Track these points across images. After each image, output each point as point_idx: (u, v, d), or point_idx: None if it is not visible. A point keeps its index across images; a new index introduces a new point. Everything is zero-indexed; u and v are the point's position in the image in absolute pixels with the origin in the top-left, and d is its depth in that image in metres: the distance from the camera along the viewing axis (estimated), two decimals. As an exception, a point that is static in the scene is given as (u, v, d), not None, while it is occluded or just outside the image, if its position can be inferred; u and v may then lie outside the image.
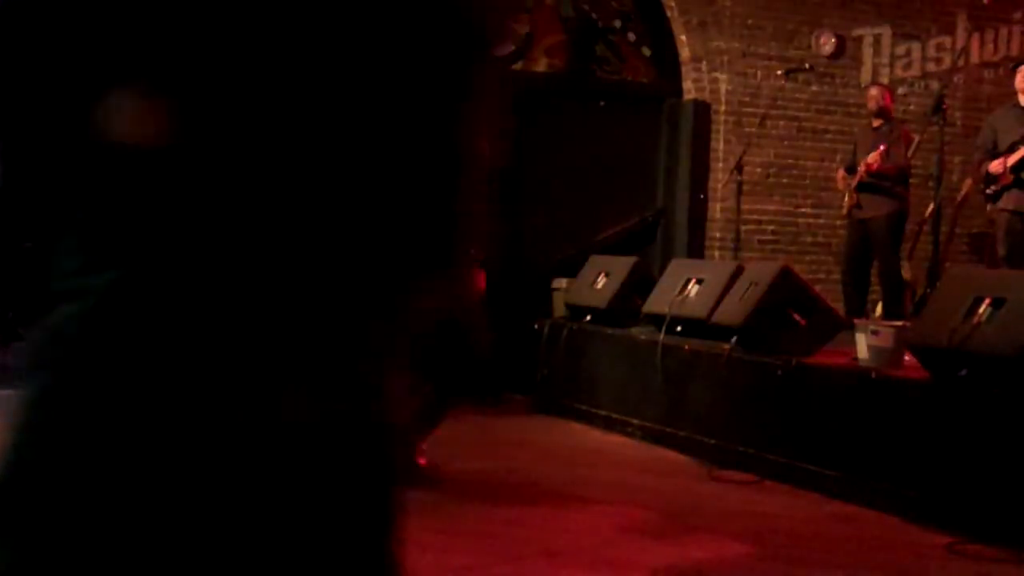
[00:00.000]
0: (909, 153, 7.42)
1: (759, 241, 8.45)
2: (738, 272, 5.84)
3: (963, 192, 8.52)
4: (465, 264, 1.19)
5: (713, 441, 5.40)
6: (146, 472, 0.98)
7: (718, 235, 8.32)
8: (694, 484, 4.98)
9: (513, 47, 7.89)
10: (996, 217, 7.16)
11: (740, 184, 7.77)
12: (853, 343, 5.11)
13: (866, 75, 8.75)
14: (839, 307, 6.65)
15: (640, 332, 6.18)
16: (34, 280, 1.04)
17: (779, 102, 8.37)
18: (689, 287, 5.96)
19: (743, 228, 7.96)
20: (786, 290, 5.38)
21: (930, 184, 7.60)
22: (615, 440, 6.01)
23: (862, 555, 3.90)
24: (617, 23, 8.21)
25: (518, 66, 7.93)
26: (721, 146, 8.33)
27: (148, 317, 0.98)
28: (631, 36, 8.27)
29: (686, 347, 5.72)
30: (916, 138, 7.41)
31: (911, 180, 7.73)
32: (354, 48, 1.03)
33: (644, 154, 8.30)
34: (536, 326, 6.95)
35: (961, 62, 8.89)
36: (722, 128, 8.34)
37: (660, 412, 5.84)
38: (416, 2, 1.06)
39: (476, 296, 4.77)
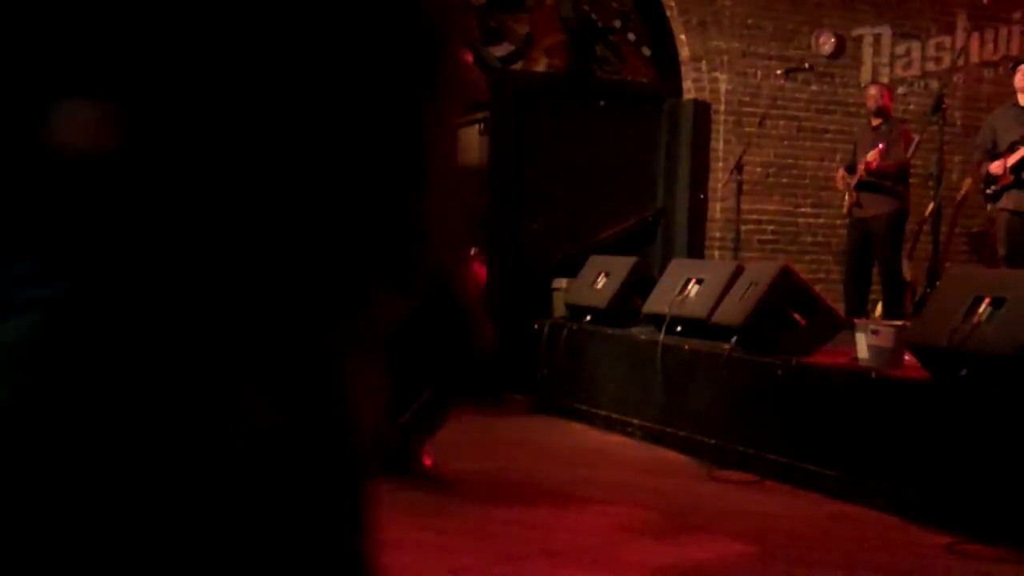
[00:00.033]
0: (909, 153, 7.42)
1: (759, 241, 8.45)
2: (738, 272, 5.84)
3: (963, 192, 8.52)
4: (449, 263, 1.17)
5: (713, 441, 5.41)
6: (108, 486, 0.96)
7: (718, 235, 8.32)
8: (694, 484, 4.98)
9: (513, 47, 7.89)
10: (996, 217, 7.17)
11: (740, 184, 7.78)
12: (853, 343, 5.11)
13: (866, 75, 8.75)
14: (839, 307, 6.65)
15: (640, 332, 6.18)
16: None
17: (779, 102, 8.37)
18: (689, 287, 5.96)
19: (743, 228, 7.96)
20: (786, 290, 5.38)
21: (930, 184, 7.60)
22: (615, 440, 6.01)
23: (862, 555, 3.90)
24: (617, 23, 8.21)
25: (518, 66, 7.93)
26: (721, 146, 8.33)
27: (106, 327, 0.96)
28: (631, 36, 8.27)
29: (686, 347, 5.72)
30: (916, 138, 7.41)
31: (911, 180, 7.74)
32: (308, 50, 1.01)
33: (644, 154, 8.30)
34: (536, 326, 6.95)
35: (961, 62, 8.89)
36: (722, 128, 8.34)
37: (660, 412, 5.85)
38: (373, 1, 1.04)
39: (477, 290, 4.78)
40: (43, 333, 0.97)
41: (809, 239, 8.65)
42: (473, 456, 4.99)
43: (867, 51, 8.82)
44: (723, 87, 8.34)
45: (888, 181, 7.55)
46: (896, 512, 4.36)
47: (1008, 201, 6.93)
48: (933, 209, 7.23)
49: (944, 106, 6.96)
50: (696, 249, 8.22)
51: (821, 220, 8.65)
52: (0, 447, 0.97)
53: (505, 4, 7.85)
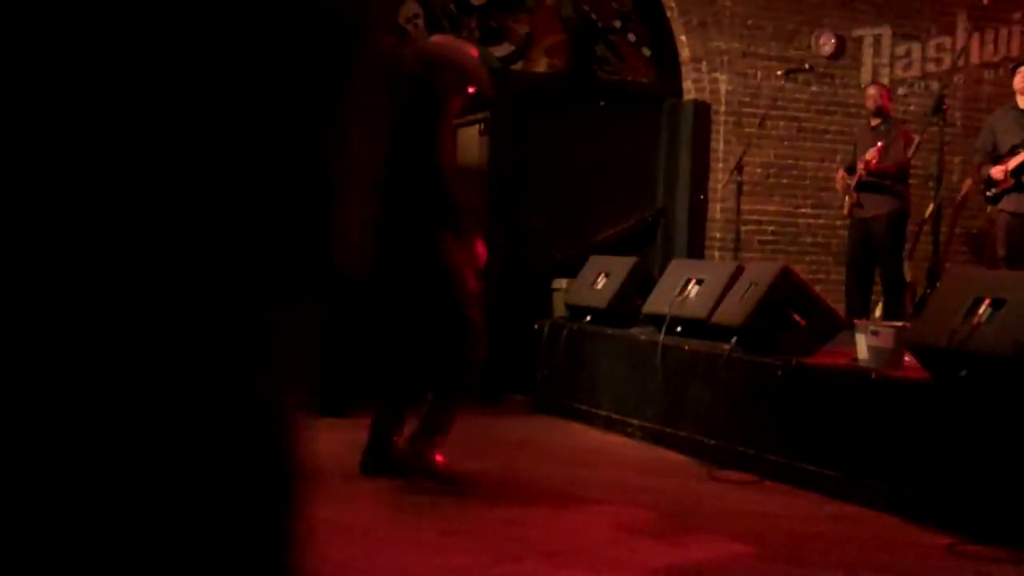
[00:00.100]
0: (909, 153, 7.42)
1: (759, 241, 8.45)
2: (738, 272, 5.84)
3: (963, 192, 8.53)
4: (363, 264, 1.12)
5: (713, 441, 5.41)
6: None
7: (718, 235, 8.33)
8: (694, 484, 4.98)
9: (513, 47, 7.90)
10: (996, 218, 7.18)
11: (740, 184, 7.78)
12: (853, 343, 5.11)
13: (866, 75, 8.75)
14: (839, 307, 6.65)
15: (640, 332, 6.18)
16: None
17: (779, 102, 8.37)
18: (689, 287, 5.96)
19: (743, 228, 7.96)
20: (786, 290, 5.38)
21: (930, 184, 7.60)
22: (615, 440, 6.01)
23: (862, 555, 3.90)
24: (617, 23, 8.21)
25: (518, 66, 7.93)
26: (721, 146, 8.33)
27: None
28: (631, 36, 8.27)
29: (686, 347, 5.72)
30: (916, 138, 7.41)
31: (911, 180, 7.74)
32: (208, 48, 0.95)
33: (644, 154, 8.30)
34: (536, 326, 6.96)
35: (961, 62, 8.90)
36: (722, 128, 8.35)
37: (660, 412, 5.85)
38: None
39: (480, 264, 4.79)
40: None
41: (809, 240, 8.66)
42: (473, 456, 4.99)
43: (867, 52, 8.83)
44: (723, 87, 8.35)
45: (888, 181, 7.56)
46: (896, 512, 4.36)
47: (1008, 203, 6.94)
48: (933, 210, 7.23)
49: (944, 107, 6.96)
50: (696, 249, 8.22)
51: (821, 221, 8.65)
52: None
53: (505, 4, 7.85)
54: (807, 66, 8.28)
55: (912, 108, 8.81)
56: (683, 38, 8.24)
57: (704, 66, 8.30)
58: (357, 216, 1.06)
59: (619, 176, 8.15)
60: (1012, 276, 5.12)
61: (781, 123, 8.52)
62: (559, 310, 7.19)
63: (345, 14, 1.02)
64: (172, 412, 0.98)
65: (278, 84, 0.99)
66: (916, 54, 8.98)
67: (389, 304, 4.66)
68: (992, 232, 7.51)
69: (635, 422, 6.03)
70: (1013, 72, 7.19)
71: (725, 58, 8.34)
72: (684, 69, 8.31)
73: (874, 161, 7.44)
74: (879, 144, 7.47)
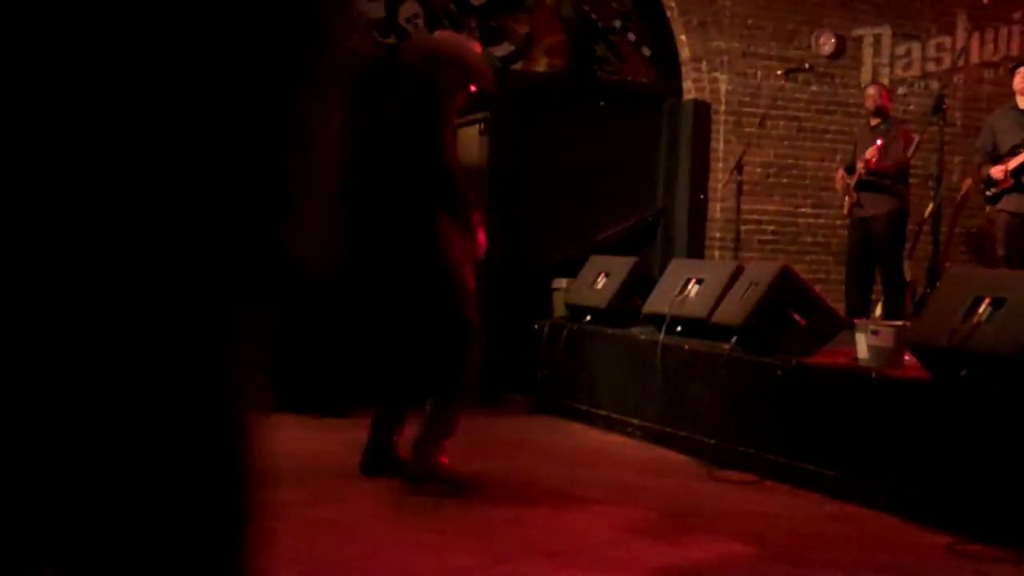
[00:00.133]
0: (909, 152, 7.42)
1: (759, 241, 8.45)
2: (738, 272, 5.84)
3: (963, 192, 8.53)
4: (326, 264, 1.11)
5: (713, 441, 5.41)
6: None
7: (718, 235, 8.32)
8: (694, 484, 4.98)
9: (513, 47, 7.89)
10: (996, 217, 7.18)
11: (740, 184, 7.78)
12: (853, 343, 5.11)
13: (866, 75, 8.75)
14: (839, 307, 6.65)
15: (640, 332, 6.18)
16: None
17: (779, 102, 8.37)
18: (689, 287, 5.96)
19: (743, 228, 7.96)
20: (786, 290, 5.38)
21: (930, 184, 7.61)
22: (615, 440, 6.01)
23: (862, 555, 3.90)
24: (617, 23, 8.21)
25: (518, 66, 7.93)
26: (721, 146, 8.33)
27: None
28: (631, 36, 8.27)
29: (686, 347, 5.72)
30: (916, 138, 7.42)
31: (911, 180, 7.74)
32: (169, 47, 0.94)
33: (644, 154, 8.30)
34: (536, 326, 6.95)
35: (961, 62, 8.90)
36: (722, 128, 8.34)
37: (660, 412, 5.85)
38: None
39: (481, 251, 4.77)
40: None
41: (809, 239, 8.65)
42: (473, 456, 4.98)
43: (867, 51, 8.82)
44: (723, 87, 8.35)
45: (888, 181, 7.56)
46: (896, 512, 4.36)
47: (1008, 203, 6.94)
48: (933, 209, 7.23)
49: (944, 106, 6.97)
50: (696, 249, 8.22)
51: (821, 220, 8.65)
52: None
53: (505, 4, 7.85)
54: (807, 66, 8.28)
55: (912, 108, 8.80)
56: (683, 38, 8.24)
57: (704, 66, 8.30)
58: (319, 216, 1.05)
59: (619, 176, 8.15)
60: (1012, 276, 5.11)
61: (781, 123, 8.52)
62: (559, 310, 7.19)
63: (308, 14, 1.01)
64: (126, 407, 0.97)
65: (238, 84, 0.97)
66: (916, 54, 8.98)
67: (389, 303, 4.66)
68: (992, 232, 7.50)
69: (635, 422, 6.03)
70: (1013, 72, 7.19)
71: (725, 58, 8.34)
72: (684, 69, 8.31)
73: (874, 160, 7.44)
74: (879, 142, 7.47)
